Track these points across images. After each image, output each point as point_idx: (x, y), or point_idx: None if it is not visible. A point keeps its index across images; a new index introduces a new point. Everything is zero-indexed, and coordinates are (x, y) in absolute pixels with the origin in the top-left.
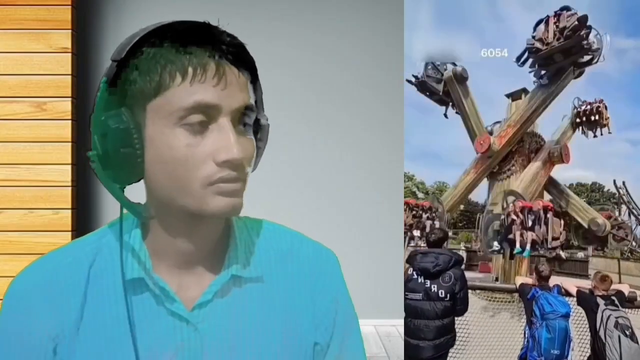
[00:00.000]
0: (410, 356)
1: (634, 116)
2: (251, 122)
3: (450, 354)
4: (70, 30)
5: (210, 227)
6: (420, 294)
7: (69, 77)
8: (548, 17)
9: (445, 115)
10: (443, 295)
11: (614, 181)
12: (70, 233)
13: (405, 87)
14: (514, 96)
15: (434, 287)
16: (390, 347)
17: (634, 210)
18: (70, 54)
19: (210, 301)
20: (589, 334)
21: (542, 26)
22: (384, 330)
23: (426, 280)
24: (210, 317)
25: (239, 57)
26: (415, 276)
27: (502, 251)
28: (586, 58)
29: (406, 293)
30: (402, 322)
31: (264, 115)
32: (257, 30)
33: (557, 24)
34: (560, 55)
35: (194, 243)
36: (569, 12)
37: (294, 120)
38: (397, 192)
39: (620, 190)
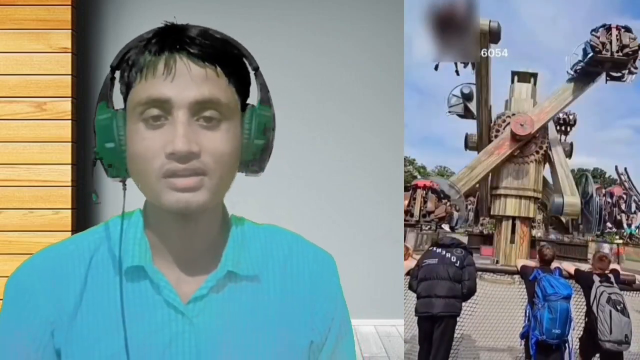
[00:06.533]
0: (422, 313)
1: (637, 102)
2: (219, 116)
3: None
4: (70, 30)
5: (200, 224)
6: (436, 259)
7: (69, 77)
8: (611, 26)
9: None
10: (454, 260)
11: (616, 167)
12: (70, 233)
13: (406, 80)
14: (520, 76)
15: (448, 254)
16: (390, 347)
17: (635, 197)
18: (70, 54)
19: (205, 296)
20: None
21: (604, 31)
22: (384, 330)
23: (442, 249)
24: (205, 312)
25: (211, 54)
26: (434, 248)
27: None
28: (619, 74)
29: (424, 260)
30: (402, 322)
31: (266, 113)
32: (257, 30)
33: (618, 37)
34: (609, 64)
35: (186, 238)
36: (631, 35)
37: (294, 120)
38: (397, 192)
39: (622, 177)
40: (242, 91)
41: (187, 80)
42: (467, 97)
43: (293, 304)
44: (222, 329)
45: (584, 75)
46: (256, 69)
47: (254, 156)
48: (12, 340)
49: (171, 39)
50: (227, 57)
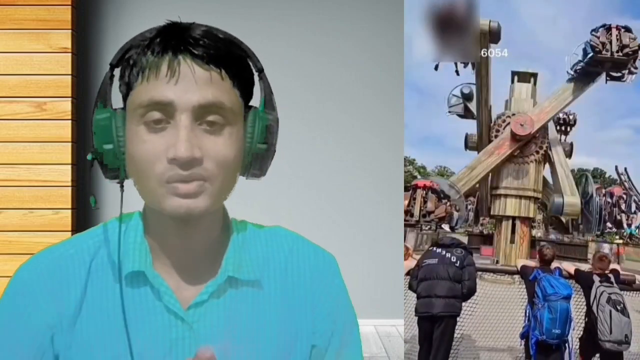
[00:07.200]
0: (422, 313)
1: (637, 102)
2: (223, 120)
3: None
4: (70, 30)
5: (201, 227)
6: (436, 259)
7: (69, 77)
8: (611, 26)
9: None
10: (454, 260)
11: (616, 167)
12: (70, 233)
13: (406, 80)
14: (520, 76)
15: (448, 254)
16: (390, 347)
17: (635, 197)
18: (70, 54)
19: (205, 301)
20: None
21: (604, 31)
22: (384, 330)
23: (442, 249)
24: (205, 317)
25: (215, 56)
26: (434, 248)
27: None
28: (619, 74)
29: (424, 260)
30: (402, 322)
31: (270, 115)
32: (257, 30)
33: (618, 37)
34: (609, 64)
35: (186, 242)
36: (631, 35)
37: (294, 120)
38: (397, 192)
39: (622, 177)
40: (246, 93)
41: (190, 83)
42: (467, 97)
43: (294, 307)
44: (222, 334)
45: (584, 75)
46: (260, 71)
47: (256, 160)
48: (11, 341)
49: (175, 40)
50: (231, 58)
